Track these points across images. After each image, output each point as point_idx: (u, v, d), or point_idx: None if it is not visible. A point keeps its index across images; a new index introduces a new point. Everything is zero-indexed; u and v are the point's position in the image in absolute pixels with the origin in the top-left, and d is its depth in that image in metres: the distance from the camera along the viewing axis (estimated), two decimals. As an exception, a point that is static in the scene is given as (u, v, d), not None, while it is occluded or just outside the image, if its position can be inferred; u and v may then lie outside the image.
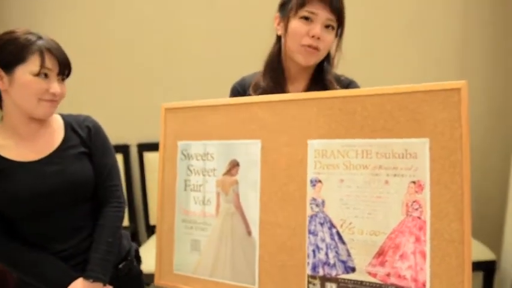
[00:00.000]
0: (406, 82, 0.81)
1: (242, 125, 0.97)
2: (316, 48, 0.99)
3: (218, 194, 0.99)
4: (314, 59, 1.02)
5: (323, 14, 0.96)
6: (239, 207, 0.96)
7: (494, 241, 2.15)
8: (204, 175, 1.02)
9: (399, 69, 2.23)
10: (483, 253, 2.01)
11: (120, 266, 1.12)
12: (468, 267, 0.74)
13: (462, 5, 2.19)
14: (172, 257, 1.04)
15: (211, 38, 2.26)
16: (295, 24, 0.98)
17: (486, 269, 2.01)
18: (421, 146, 0.76)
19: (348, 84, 1.06)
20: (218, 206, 0.99)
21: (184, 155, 1.05)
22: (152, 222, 2.31)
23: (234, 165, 0.98)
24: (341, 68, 1.07)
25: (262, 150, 0.93)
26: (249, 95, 1.08)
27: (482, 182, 2.30)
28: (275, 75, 1.07)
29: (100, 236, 1.07)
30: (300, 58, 1.01)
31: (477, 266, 2.01)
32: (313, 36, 0.97)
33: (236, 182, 0.97)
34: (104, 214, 1.10)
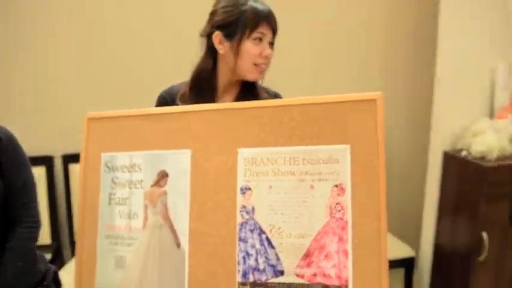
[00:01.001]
0: (336, 91, 0.88)
1: (171, 134, 0.96)
2: (266, 65, 1.07)
3: (146, 207, 0.96)
4: (261, 76, 1.09)
5: (269, 34, 1.04)
6: (167, 219, 0.94)
7: (414, 239, 2.36)
8: (130, 188, 0.99)
9: (330, 79, 2.39)
10: (403, 250, 2.19)
11: None
12: (384, 263, 0.80)
13: (384, 19, 2.42)
14: (94, 276, 0.98)
15: (139, 45, 2.21)
16: (249, 45, 1.03)
17: (406, 266, 2.19)
18: (343, 152, 0.83)
19: (274, 95, 1.12)
20: (146, 219, 0.96)
21: (108, 167, 1.01)
22: (78, 239, 2.15)
23: (163, 176, 0.96)
24: (273, 78, 1.13)
25: (192, 159, 0.93)
26: (177, 104, 1.08)
27: (403, 185, 2.53)
28: (205, 89, 1.09)
29: (9, 259, 0.98)
30: (252, 76, 1.07)
31: (398, 263, 2.18)
32: (265, 57, 1.04)
33: (165, 193, 0.95)
34: (15, 235, 1.01)
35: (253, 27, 1.01)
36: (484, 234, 1.84)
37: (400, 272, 2.25)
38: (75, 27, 2.17)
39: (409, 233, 2.47)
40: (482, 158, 1.85)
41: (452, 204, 2.04)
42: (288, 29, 2.30)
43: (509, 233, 1.71)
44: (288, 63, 2.31)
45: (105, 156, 1.01)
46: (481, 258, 1.86)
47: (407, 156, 2.54)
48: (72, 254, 2.16)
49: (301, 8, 2.31)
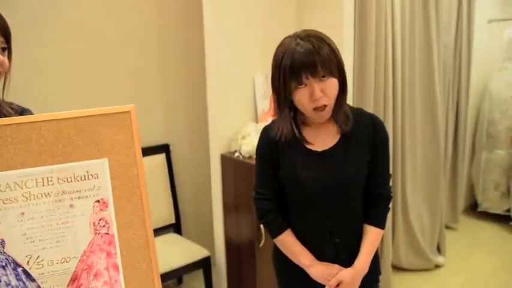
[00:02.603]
0: (114, 104, 0.85)
1: None
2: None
3: None
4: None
5: None
6: None
7: (208, 238, 2.52)
8: None
9: (109, 92, 2.30)
10: (199, 253, 2.31)
11: None
12: (156, 267, 0.83)
13: (157, 37, 2.48)
14: None
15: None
16: None
17: (204, 266, 2.32)
18: (101, 166, 0.81)
19: (21, 111, 1.01)
20: None
21: None
22: None
23: None
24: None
25: None
26: None
27: (193, 192, 2.67)
28: None
29: None
30: None
31: (196, 264, 2.31)
32: None
33: None
34: None
35: None
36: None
37: (200, 273, 2.38)
38: None
39: (205, 236, 2.65)
40: (250, 157, 2.14)
41: (233, 202, 2.29)
42: (73, 42, 2.15)
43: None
44: (65, 77, 2.15)
45: None
46: (261, 244, 2.15)
47: (193, 163, 2.71)
48: None
49: (75, 23, 2.19)
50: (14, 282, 0.77)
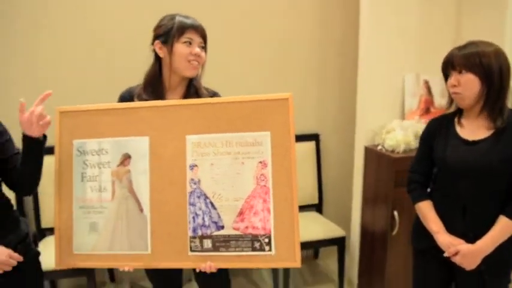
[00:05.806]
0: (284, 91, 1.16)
1: (132, 125, 1.20)
2: (198, 62, 1.32)
3: (113, 182, 1.20)
4: (196, 71, 1.33)
5: (197, 39, 1.31)
6: (132, 192, 1.19)
7: (345, 222, 2.72)
8: (99, 167, 1.22)
9: (280, 83, 2.69)
10: (336, 232, 2.52)
11: (18, 247, 1.21)
12: (296, 217, 1.11)
13: (318, 37, 2.76)
14: (72, 240, 1.20)
15: (98, 46, 2.36)
16: (180, 47, 1.27)
17: (338, 244, 2.52)
18: (265, 137, 1.12)
19: (213, 94, 1.40)
20: (114, 192, 1.20)
21: (80, 151, 1.23)
22: (44, 225, 2.29)
23: (126, 158, 1.20)
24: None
25: (151, 144, 1.19)
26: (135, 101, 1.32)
27: (336, 176, 2.89)
28: (155, 89, 1.33)
29: None
30: (188, 72, 1.30)
31: (331, 241, 2.50)
32: (195, 55, 1.29)
33: (129, 171, 1.19)
34: None
35: (181, 33, 1.27)
36: (395, 213, 2.22)
37: (334, 249, 2.58)
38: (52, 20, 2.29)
39: (342, 220, 2.83)
40: (393, 151, 2.24)
41: (372, 190, 2.42)
42: (247, 42, 2.60)
43: (413, 211, 2.10)
44: (247, 69, 2.59)
45: (76, 142, 1.23)
46: (394, 232, 2.25)
47: (339, 152, 2.92)
48: (40, 238, 2.29)
49: (254, 26, 2.61)
50: (203, 208, 1.14)
